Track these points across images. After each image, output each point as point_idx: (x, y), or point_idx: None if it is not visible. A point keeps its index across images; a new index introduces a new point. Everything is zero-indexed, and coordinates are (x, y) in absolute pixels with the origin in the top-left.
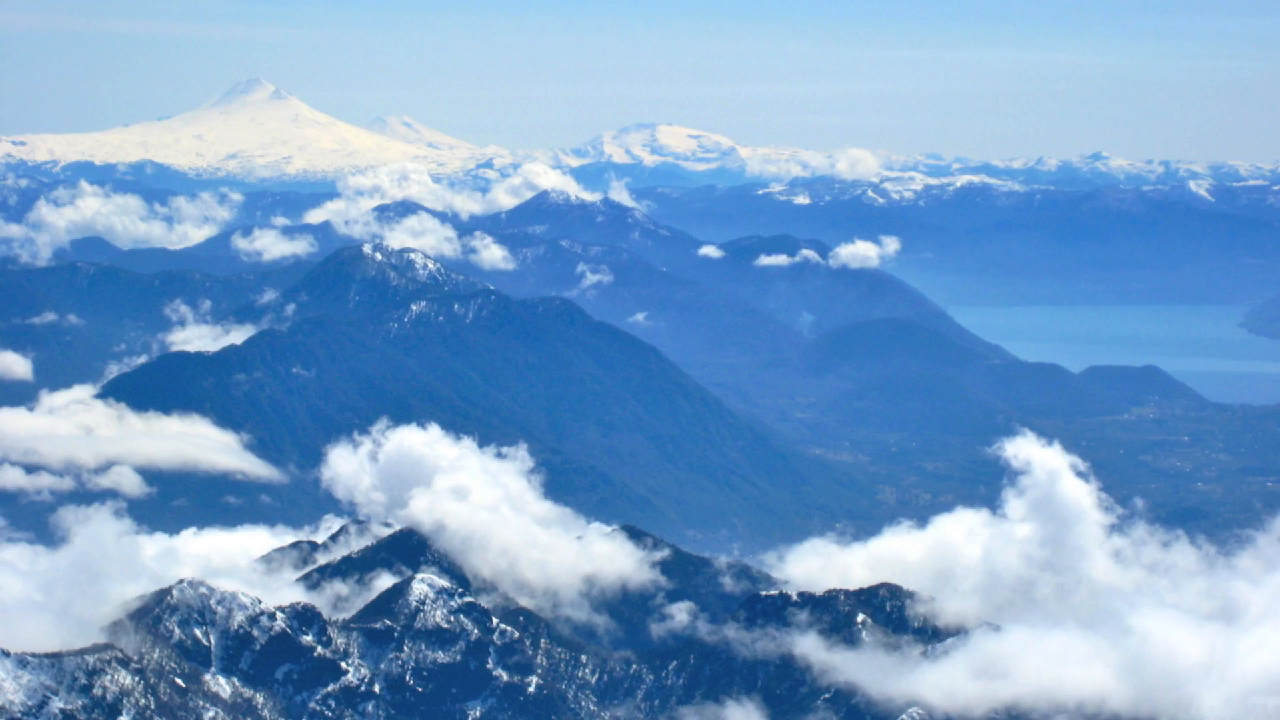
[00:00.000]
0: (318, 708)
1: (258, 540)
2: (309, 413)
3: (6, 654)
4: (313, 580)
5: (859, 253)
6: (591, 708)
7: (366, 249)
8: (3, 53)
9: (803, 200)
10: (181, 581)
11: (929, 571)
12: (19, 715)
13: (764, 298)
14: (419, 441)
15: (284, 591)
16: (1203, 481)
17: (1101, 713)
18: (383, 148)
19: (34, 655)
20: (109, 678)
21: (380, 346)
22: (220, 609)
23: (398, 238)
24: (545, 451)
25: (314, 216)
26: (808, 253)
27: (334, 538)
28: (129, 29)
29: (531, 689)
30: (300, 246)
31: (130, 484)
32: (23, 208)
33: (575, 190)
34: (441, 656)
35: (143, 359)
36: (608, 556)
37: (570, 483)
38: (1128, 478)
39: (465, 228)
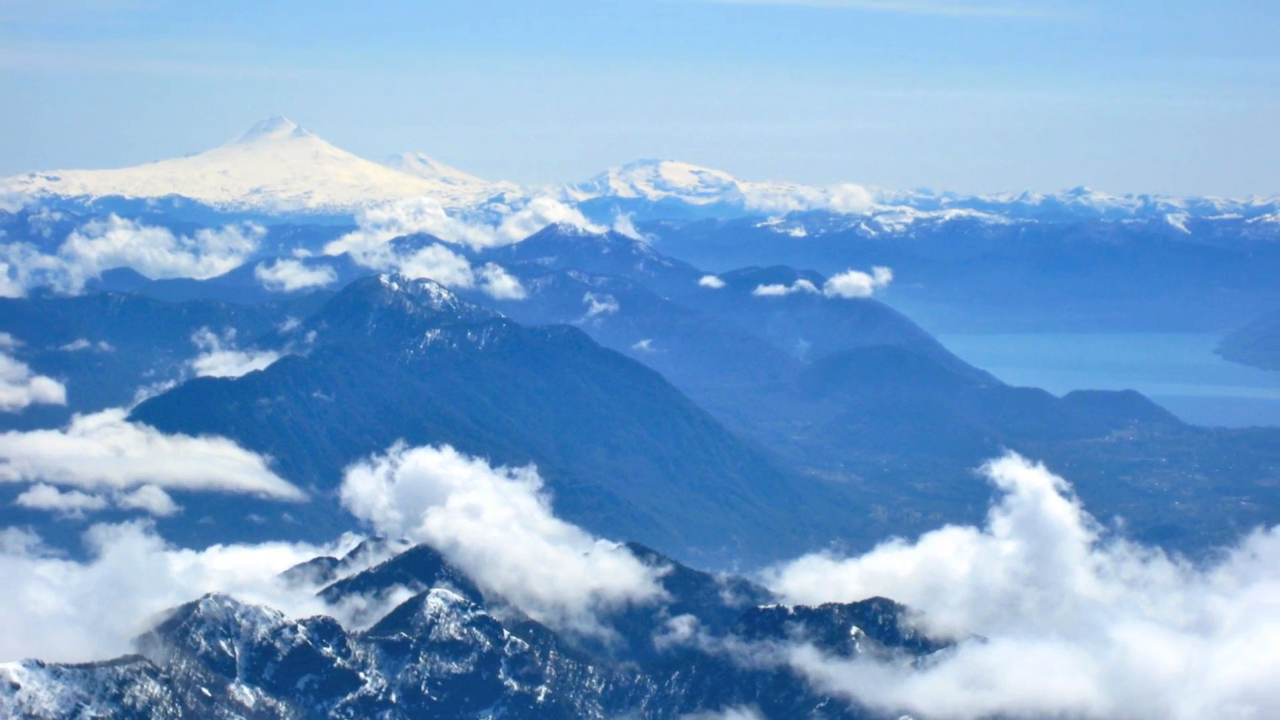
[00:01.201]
0: (337, 716)
1: (280, 556)
2: (329, 435)
3: (41, 665)
4: (332, 595)
5: (852, 283)
6: (598, 716)
7: (384, 279)
8: (38, 93)
9: (799, 233)
10: (207, 596)
11: (919, 586)
12: None
13: (762, 326)
14: (434, 462)
15: (305, 605)
16: (1180, 500)
17: None
18: (399, 183)
19: (67, 666)
20: (138, 687)
21: (397, 372)
22: (244, 622)
23: (413, 268)
24: (554, 472)
25: (334, 248)
26: (803, 283)
27: (353, 554)
28: (158, 70)
29: (541, 698)
30: (320, 277)
31: (159, 503)
32: (56, 240)
33: (582, 223)
34: (455, 667)
35: (171, 384)
36: (613, 572)
37: (578, 502)
38: (1108, 497)
39: (478, 259)
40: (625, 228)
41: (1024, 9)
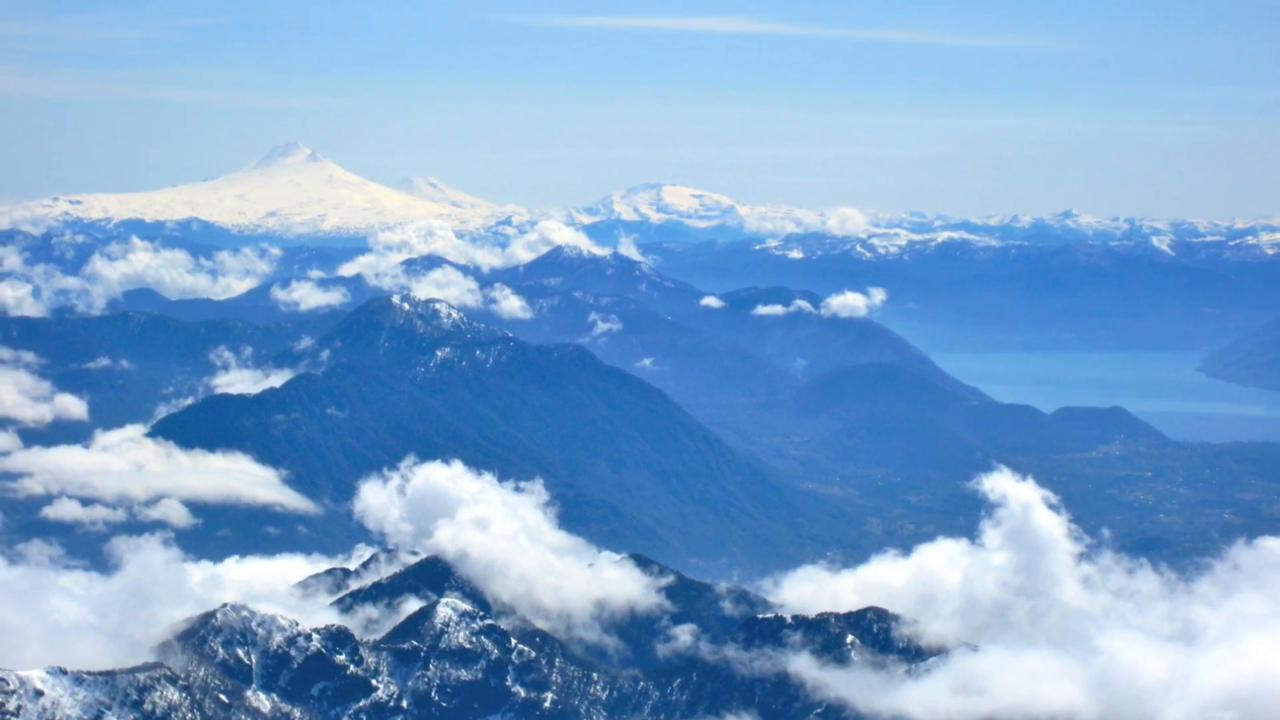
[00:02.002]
0: None
1: (295, 567)
2: (342, 450)
3: (64, 672)
4: (345, 604)
5: (848, 303)
6: None
7: (395, 299)
8: (62, 119)
9: (796, 254)
10: (225, 605)
11: (913, 596)
12: None
13: (761, 344)
14: (443, 476)
15: (319, 615)
16: (1164, 513)
17: None
18: (410, 206)
19: (89, 673)
20: (158, 694)
21: (408, 389)
22: (261, 630)
23: (424, 289)
24: (560, 486)
25: (347, 270)
26: (801, 303)
27: (365, 565)
28: (177, 97)
29: (547, 704)
30: (334, 297)
31: (178, 516)
32: (79, 261)
33: (587, 245)
34: (464, 674)
35: (189, 401)
36: (617, 582)
37: (583, 514)
38: (1095, 510)
39: (486, 280)
40: (628, 250)
41: (1014, 38)
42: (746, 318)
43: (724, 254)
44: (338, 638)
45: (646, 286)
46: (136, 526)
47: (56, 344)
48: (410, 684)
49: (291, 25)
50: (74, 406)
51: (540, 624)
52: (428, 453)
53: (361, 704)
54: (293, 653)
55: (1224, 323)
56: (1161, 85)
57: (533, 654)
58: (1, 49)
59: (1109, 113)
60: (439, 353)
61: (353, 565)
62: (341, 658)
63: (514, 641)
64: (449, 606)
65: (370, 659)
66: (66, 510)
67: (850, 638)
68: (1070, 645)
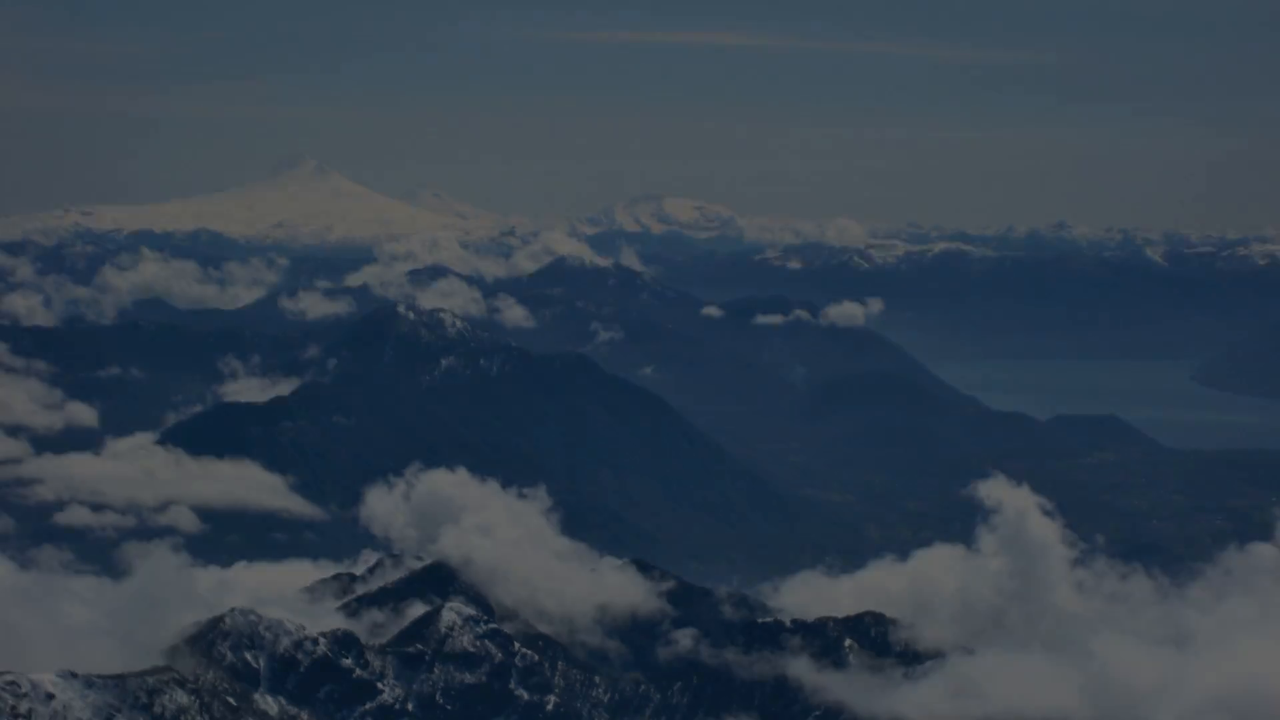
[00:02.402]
0: None
1: (302, 572)
2: (349, 457)
3: (75, 675)
4: (352, 609)
5: (846, 312)
6: None
7: (400, 309)
8: (72, 132)
9: (795, 265)
10: (233, 610)
11: (910, 601)
12: None
13: (760, 353)
14: (448, 483)
15: (326, 619)
16: (1157, 520)
17: None
18: (415, 217)
19: (100, 677)
20: (168, 697)
21: (413, 397)
22: (268, 634)
23: (429, 299)
24: (562, 492)
25: (353, 280)
26: (800, 312)
27: (371, 570)
28: (186, 111)
29: (550, 707)
30: (341, 307)
31: (187, 522)
32: (90, 272)
33: (590, 256)
34: (468, 678)
35: (198, 409)
36: (619, 587)
37: (585, 521)
38: (1089, 516)
39: (490, 290)
40: (630, 260)
41: (1010, 52)
42: (746, 327)
43: (724, 264)
44: (344, 641)
45: (648, 296)
46: (146, 532)
47: (67, 353)
48: (415, 687)
49: (297, 40)
50: (85, 414)
51: (543, 628)
52: (433, 460)
53: (367, 706)
54: (300, 656)
55: (1216, 332)
56: (1154, 99)
57: (536, 658)
58: (13, 63)
59: (1103, 125)
60: (444, 361)
61: (359, 570)
62: (348, 661)
63: (517, 645)
64: (453, 611)
65: (376, 662)
66: (77, 516)
67: (848, 641)
68: (1064, 649)
